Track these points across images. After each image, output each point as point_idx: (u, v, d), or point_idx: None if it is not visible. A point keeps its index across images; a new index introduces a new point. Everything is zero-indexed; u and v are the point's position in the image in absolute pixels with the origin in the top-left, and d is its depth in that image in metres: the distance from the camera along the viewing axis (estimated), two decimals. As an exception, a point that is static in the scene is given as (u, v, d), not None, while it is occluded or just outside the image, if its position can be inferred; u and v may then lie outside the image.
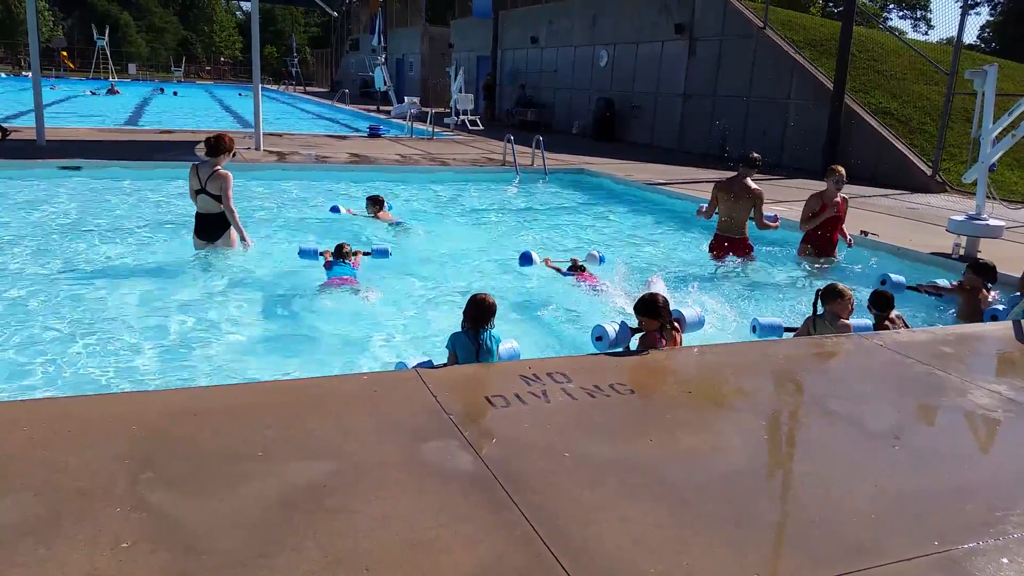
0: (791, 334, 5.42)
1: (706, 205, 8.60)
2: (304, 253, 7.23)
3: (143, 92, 44.80)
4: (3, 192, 10.45)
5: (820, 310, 5.31)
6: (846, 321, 5.28)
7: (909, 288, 7.53)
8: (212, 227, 7.47)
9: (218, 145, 7.40)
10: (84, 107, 29.41)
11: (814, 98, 16.90)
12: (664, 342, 4.50)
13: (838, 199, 8.31)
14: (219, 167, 7.34)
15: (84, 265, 7.29)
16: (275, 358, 5.31)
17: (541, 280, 7.47)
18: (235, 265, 7.38)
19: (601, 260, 7.88)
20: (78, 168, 11.96)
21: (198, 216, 7.51)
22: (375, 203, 9.48)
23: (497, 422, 3.29)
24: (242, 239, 7.55)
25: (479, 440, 3.08)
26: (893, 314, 5.67)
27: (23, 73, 54.08)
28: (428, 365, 4.10)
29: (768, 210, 8.67)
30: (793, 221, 8.74)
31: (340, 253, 7.05)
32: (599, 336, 4.46)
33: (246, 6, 72.73)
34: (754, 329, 5.35)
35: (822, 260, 8.34)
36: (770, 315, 5.97)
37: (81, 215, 9.43)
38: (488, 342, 4.31)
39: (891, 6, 54.66)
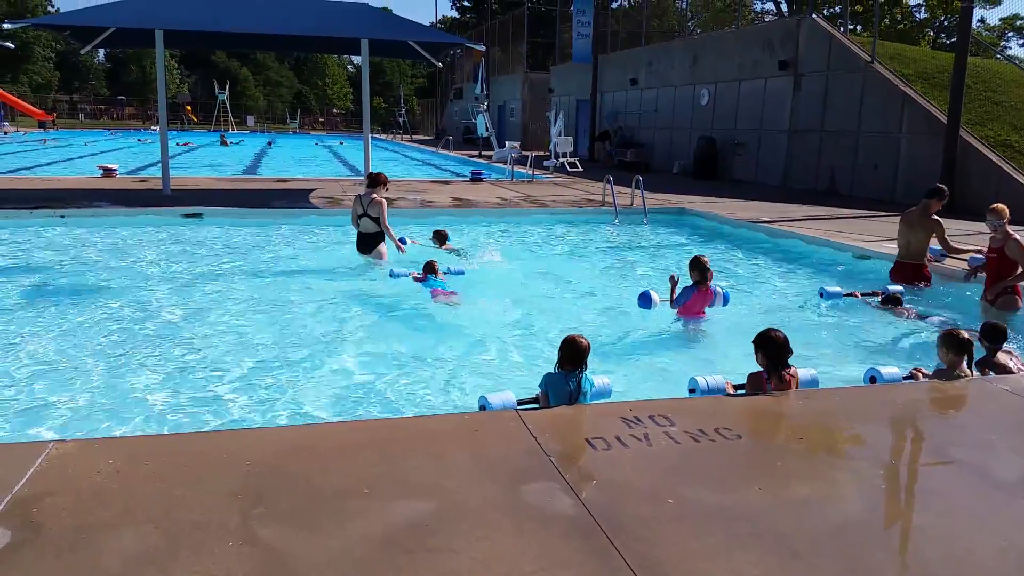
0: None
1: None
2: (394, 275, 8.39)
3: (257, 143, 46.74)
4: (134, 237, 11.18)
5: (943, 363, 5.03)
6: (967, 372, 4.96)
7: (847, 295, 8.08)
8: (369, 243, 9.53)
9: (374, 179, 9.66)
10: (207, 158, 31.20)
11: (927, 132, 16.24)
12: (772, 384, 4.34)
13: (999, 241, 7.42)
14: (376, 195, 9.38)
15: (204, 304, 7.67)
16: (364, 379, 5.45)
17: (641, 318, 7.37)
18: (367, 281, 8.78)
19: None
20: (200, 216, 12.68)
21: (359, 235, 9.58)
22: (439, 236, 10.44)
23: (598, 465, 3.25)
24: (398, 247, 9.55)
25: (580, 483, 3.05)
26: (1007, 350, 5.33)
27: (152, 127, 57.99)
28: (511, 404, 4.09)
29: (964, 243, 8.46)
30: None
31: (431, 269, 8.25)
32: (692, 389, 4.43)
33: (357, 60, 76.04)
34: (873, 380, 5.02)
35: (991, 308, 7.43)
36: (892, 366, 5.56)
37: (201, 258, 9.97)
38: (584, 384, 4.29)
39: (1010, 34, 52.11)
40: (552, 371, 4.36)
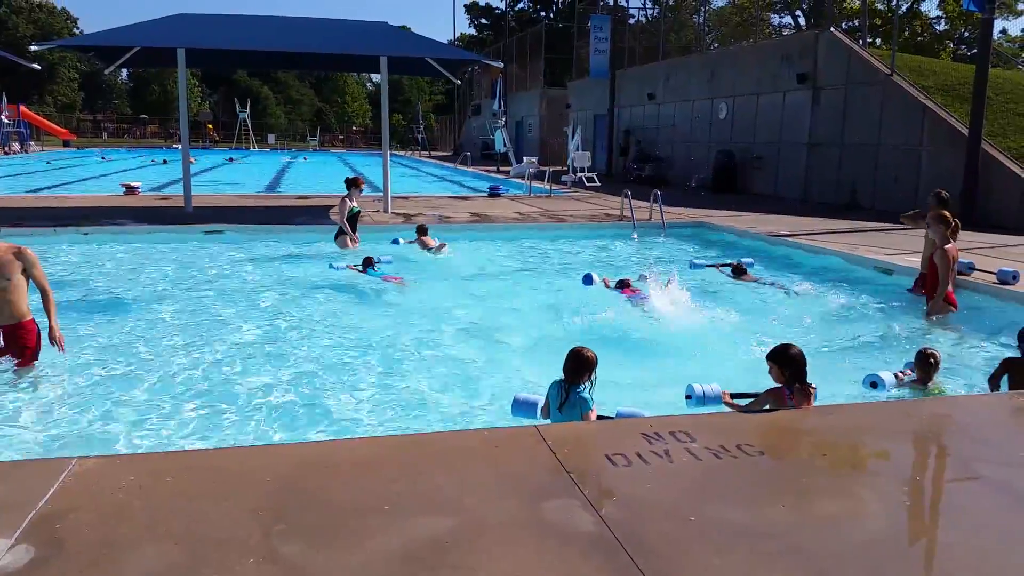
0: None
1: None
2: (333, 267, 10.11)
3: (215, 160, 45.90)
4: (158, 254, 11.29)
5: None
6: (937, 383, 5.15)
7: (708, 266, 9.93)
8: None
9: (346, 180, 11.74)
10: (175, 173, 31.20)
11: (948, 144, 16.11)
12: (793, 400, 4.30)
13: (942, 247, 7.50)
14: (344, 196, 11.47)
15: (222, 320, 7.72)
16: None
17: (643, 329, 7.38)
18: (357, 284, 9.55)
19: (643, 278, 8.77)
20: (220, 232, 12.79)
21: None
22: (420, 231, 12.05)
23: (618, 481, 3.22)
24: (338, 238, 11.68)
25: (600, 500, 3.03)
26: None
27: (174, 146, 58.59)
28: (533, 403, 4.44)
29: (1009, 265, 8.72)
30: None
31: (368, 263, 9.77)
32: (688, 395, 4.56)
33: (376, 78, 76.49)
34: (874, 385, 5.07)
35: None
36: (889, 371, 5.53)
37: (221, 275, 10.05)
38: (575, 397, 4.30)
39: (1032, 45, 51.62)
40: (558, 378, 4.46)
